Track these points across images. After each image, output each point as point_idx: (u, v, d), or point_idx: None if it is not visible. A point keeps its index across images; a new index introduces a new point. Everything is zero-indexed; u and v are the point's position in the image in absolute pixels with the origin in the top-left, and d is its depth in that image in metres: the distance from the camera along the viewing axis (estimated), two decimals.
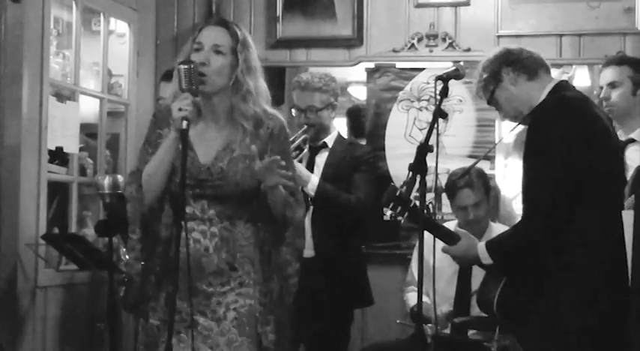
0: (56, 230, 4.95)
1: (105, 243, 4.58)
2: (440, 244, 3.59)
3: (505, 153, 5.50)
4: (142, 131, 5.40)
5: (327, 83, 4.40)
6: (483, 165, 5.10)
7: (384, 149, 5.42)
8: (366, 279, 4.51)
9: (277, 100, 5.11)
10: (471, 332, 4.34)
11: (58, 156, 4.95)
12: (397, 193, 3.36)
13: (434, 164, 3.20)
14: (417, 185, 3.11)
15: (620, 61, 4.07)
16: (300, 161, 4.34)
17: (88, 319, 5.00)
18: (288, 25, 5.59)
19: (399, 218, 3.41)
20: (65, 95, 5.08)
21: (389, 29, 5.51)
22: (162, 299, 3.11)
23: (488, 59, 3.47)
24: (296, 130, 4.41)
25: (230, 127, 3.15)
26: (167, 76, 4.64)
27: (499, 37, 5.36)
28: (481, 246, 3.33)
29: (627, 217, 3.13)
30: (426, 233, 3.29)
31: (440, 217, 5.06)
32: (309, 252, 4.28)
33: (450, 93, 3.28)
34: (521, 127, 3.57)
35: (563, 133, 3.21)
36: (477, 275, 4.28)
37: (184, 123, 2.93)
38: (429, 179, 3.18)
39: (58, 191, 5.04)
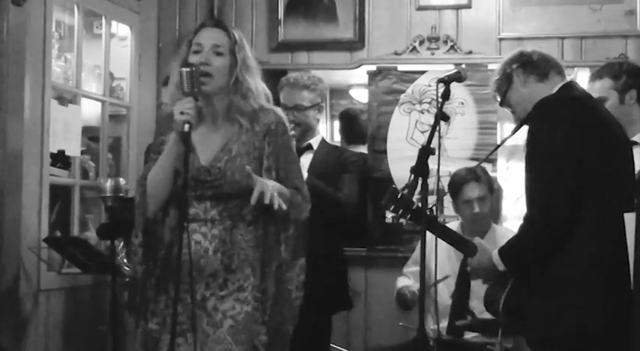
0: (58, 233, 4.96)
1: (107, 246, 4.59)
2: (439, 245, 3.58)
3: (507, 155, 5.51)
4: (143, 134, 5.44)
5: (315, 83, 4.40)
6: (485, 167, 5.10)
7: (385, 152, 5.41)
8: (345, 282, 4.49)
9: (278, 103, 5.12)
10: (472, 335, 4.33)
11: (60, 159, 4.95)
12: (398, 195, 3.36)
13: (435, 167, 3.20)
14: (418, 188, 3.11)
15: (599, 74, 4.05)
16: None
17: (90, 322, 4.99)
18: (289, 27, 5.59)
19: (402, 220, 3.42)
20: (67, 98, 5.08)
21: (390, 32, 5.51)
22: (162, 303, 3.12)
23: (503, 61, 3.50)
24: None
25: (227, 126, 3.17)
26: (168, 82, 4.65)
27: (500, 39, 5.36)
28: (495, 254, 3.33)
29: (629, 219, 3.13)
30: (428, 235, 3.29)
31: (442, 219, 5.06)
32: None
33: (451, 96, 3.29)
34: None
35: (566, 132, 3.21)
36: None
37: (186, 126, 2.95)
38: (431, 182, 3.19)
39: (60, 194, 5.04)
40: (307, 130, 4.42)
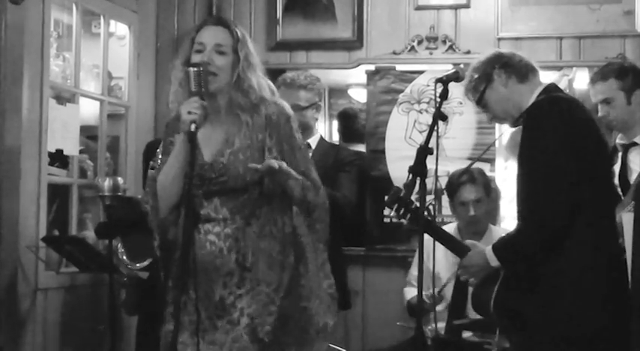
0: (56, 232, 4.95)
1: (105, 245, 4.59)
2: (440, 246, 3.59)
3: (505, 155, 5.50)
4: (142, 133, 5.44)
5: (312, 82, 4.38)
6: (483, 167, 5.10)
7: (384, 152, 5.42)
8: (345, 282, 4.46)
9: None
10: (468, 334, 4.34)
11: (59, 158, 4.95)
12: (401, 195, 3.37)
13: (434, 167, 3.20)
14: (417, 187, 3.11)
15: (605, 75, 4.05)
16: None
17: (88, 322, 4.99)
18: (288, 27, 5.59)
19: (402, 220, 3.42)
20: (65, 97, 5.08)
21: (389, 31, 5.51)
22: (180, 304, 3.11)
23: (480, 61, 3.49)
24: None
25: (229, 122, 3.17)
26: None
27: (499, 39, 5.36)
28: (488, 249, 3.34)
29: (627, 220, 3.13)
30: (427, 236, 3.29)
31: (440, 219, 5.06)
32: None
33: (449, 95, 3.29)
34: (511, 128, 3.59)
35: (560, 134, 3.22)
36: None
37: (193, 126, 2.95)
38: (429, 181, 3.18)
39: (58, 193, 5.03)
40: (305, 129, 4.40)
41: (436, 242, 3.71)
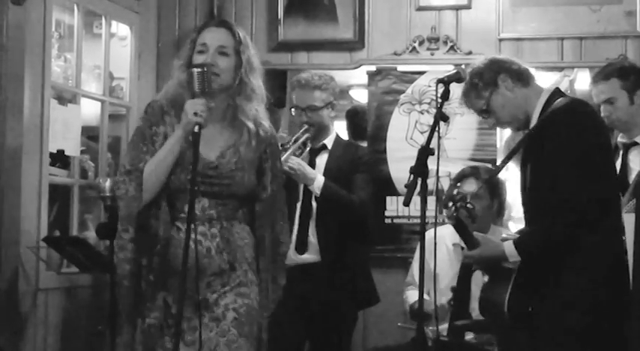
0: (57, 233, 4.95)
1: (106, 246, 4.58)
2: (440, 246, 3.59)
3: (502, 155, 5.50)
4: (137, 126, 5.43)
5: (326, 82, 4.41)
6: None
7: (385, 152, 5.41)
8: (371, 279, 4.52)
9: (279, 103, 5.13)
10: (469, 336, 4.34)
11: (60, 159, 4.95)
12: (454, 192, 3.42)
13: (435, 167, 3.20)
14: (418, 188, 3.11)
15: (607, 75, 4.05)
16: None
17: (89, 322, 4.99)
18: (289, 27, 5.58)
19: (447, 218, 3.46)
20: (67, 98, 5.08)
21: (390, 32, 5.51)
22: (159, 299, 3.11)
23: (479, 68, 3.50)
24: (296, 129, 4.42)
25: (233, 127, 3.18)
26: None
27: (500, 40, 5.35)
28: (508, 244, 3.34)
29: (628, 220, 3.14)
30: (427, 235, 3.29)
31: (441, 219, 5.05)
32: (314, 257, 4.28)
33: (451, 96, 3.29)
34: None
35: (592, 136, 3.29)
36: (477, 279, 4.28)
37: (197, 127, 2.96)
38: (431, 182, 3.18)
39: (59, 194, 5.04)
40: (321, 129, 4.43)
41: (438, 243, 3.71)
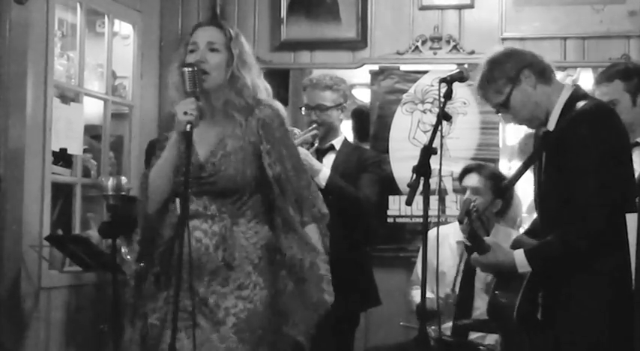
0: (60, 232, 4.96)
1: (109, 244, 4.59)
2: (444, 244, 3.58)
3: (509, 156, 5.50)
4: (146, 133, 5.44)
5: (337, 83, 4.43)
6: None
7: (388, 151, 5.41)
8: (373, 280, 4.52)
9: (281, 102, 5.11)
10: (475, 335, 4.33)
11: (62, 157, 4.95)
12: (470, 206, 3.38)
13: (438, 167, 3.20)
14: (420, 187, 3.11)
15: (610, 76, 4.00)
16: None
17: (91, 321, 4.99)
18: (292, 27, 5.58)
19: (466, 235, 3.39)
20: (69, 97, 5.08)
21: (393, 31, 5.51)
22: (161, 299, 3.12)
23: (500, 60, 3.37)
24: (305, 128, 4.42)
25: (224, 122, 3.18)
26: None
27: (503, 39, 5.35)
28: (519, 253, 3.25)
29: (631, 220, 3.13)
30: (430, 235, 3.29)
31: (444, 219, 5.06)
32: None
33: (453, 95, 3.27)
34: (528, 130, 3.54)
35: (616, 139, 3.23)
36: (480, 278, 4.28)
37: (188, 126, 2.96)
38: (433, 182, 3.18)
39: (61, 193, 5.04)
40: (330, 129, 4.43)
41: (441, 241, 3.69)
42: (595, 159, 3.16)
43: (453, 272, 4.42)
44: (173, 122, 3.15)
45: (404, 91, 5.48)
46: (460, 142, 5.36)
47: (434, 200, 5.04)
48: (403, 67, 5.50)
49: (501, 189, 4.49)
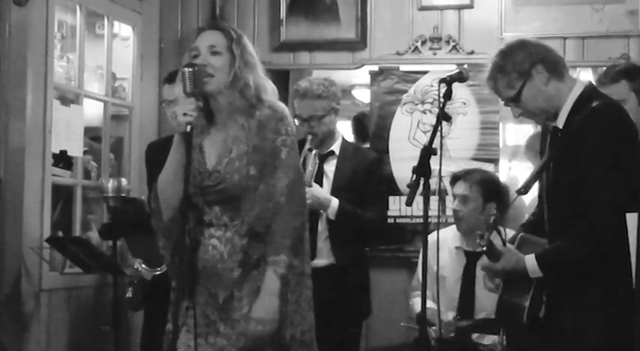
0: (60, 233, 4.96)
1: (109, 246, 4.59)
2: (443, 249, 3.56)
3: (509, 156, 5.50)
4: (146, 134, 5.44)
5: (326, 88, 4.31)
6: (487, 167, 5.10)
7: (387, 152, 5.41)
8: (369, 291, 4.44)
9: (286, 100, 5.11)
10: (474, 336, 4.33)
11: (63, 159, 4.95)
12: (491, 220, 3.35)
13: (437, 167, 3.20)
14: (420, 188, 3.11)
15: (615, 76, 3.97)
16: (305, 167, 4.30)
17: (92, 322, 5.00)
18: (291, 28, 5.59)
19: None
20: (69, 98, 5.09)
21: (393, 32, 5.51)
22: (182, 306, 3.12)
23: (512, 52, 3.30)
24: (298, 131, 4.38)
25: (230, 126, 3.16)
26: (170, 79, 4.65)
27: (503, 40, 5.33)
28: (530, 259, 3.23)
29: (631, 220, 3.12)
30: (430, 238, 3.28)
31: (444, 219, 5.05)
32: (327, 260, 4.24)
33: (453, 96, 3.26)
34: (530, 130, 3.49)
35: (629, 145, 3.18)
36: (481, 281, 4.28)
37: (188, 127, 2.96)
38: (433, 182, 3.18)
39: (62, 194, 5.05)
40: (327, 136, 4.35)
41: (441, 245, 3.68)
42: (606, 160, 3.12)
43: (453, 276, 4.42)
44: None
45: (404, 92, 5.48)
46: (460, 143, 5.35)
47: (434, 201, 5.06)
48: (403, 68, 5.50)
49: (499, 193, 4.48)
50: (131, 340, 5.11)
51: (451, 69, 4.77)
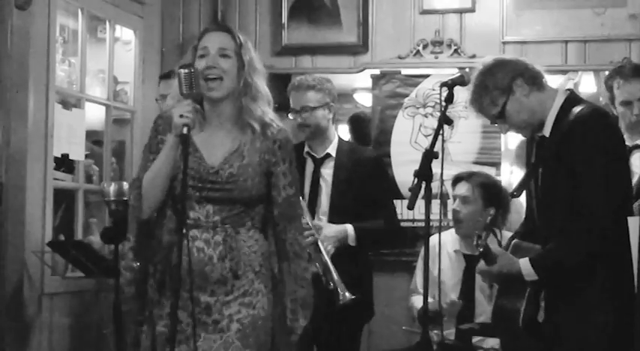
0: (62, 237, 4.95)
1: (111, 250, 4.58)
2: (442, 253, 3.56)
3: (511, 160, 5.49)
4: (147, 138, 5.43)
5: (320, 82, 4.31)
6: (489, 171, 5.10)
7: (389, 156, 5.41)
8: (372, 293, 4.43)
9: (283, 107, 5.11)
10: (475, 339, 4.33)
11: (64, 163, 4.96)
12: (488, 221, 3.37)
13: (439, 171, 3.20)
14: (422, 192, 3.11)
15: (628, 76, 3.97)
16: (304, 172, 4.29)
17: (94, 326, 5.00)
18: (293, 32, 5.59)
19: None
20: (71, 102, 5.09)
21: (394, 36, 5.52)
22: (167, 307, 3.09)
23: (490, 71, 3.35)
24: (295, 133, 4.35)
25: (238, 130, 3.15)
26: (166, 76, 4.69)
27: (504, 43, 5.36)
28: (524, 262, 3.25)
29: (633, 223, 3.13)
30: (432, 242, 3.28)
31: (445, 223, 5.05)
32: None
33: (455, 99, 3.26)
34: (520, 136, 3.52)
35: (616, 148, 3.24)
36: (481, 285, 4.28)
37: (185, 129, 2.95)
38: (435, 186, 3.18)
39: (63, 198, 5.04)
40: (318, 130, 4.31)
41: (442, 248, 3.67)
42: (598, 164, 3.16)
43: (452, 280, 4.41)
44: (163, 120, 3.15)
45: (405, 96, 5.48)
46: (462, 146, 5.36)
47: (436, 204, 5.07)
48: (404, 72, 5.51)
49: (501, 198, 4.48)
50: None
51: (453, 73, 4.74)
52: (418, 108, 5.46)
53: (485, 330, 4.18)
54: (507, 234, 4.41)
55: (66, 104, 5.02)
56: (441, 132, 3.16)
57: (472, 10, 5.43)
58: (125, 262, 3.18)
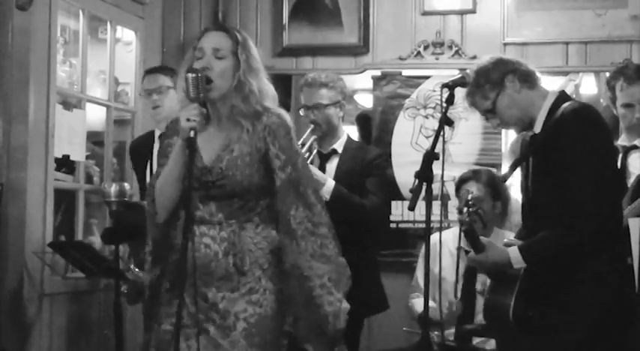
0: (63, 238, 4.96)
1: (111, 251, 4.59)
2: (443, 251, 3.57)
3: (507, 156, 5.50)
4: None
5: (333, 80, 4.36)
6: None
7: (390, 157, 5.41)
8: (380, 285, 4.47)
9: (284, 107, 5.12)
10: (475, 341, 4.33)
11: (65, 164, 4.95)
12: (469, 197, 3.47)
13: (440, 172, 3.20)
14: (423, 193, 3.11)
15: (632, 79, 4.00)
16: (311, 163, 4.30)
17: (94, 327, 5.00)
18: (294, 32, 5.59)
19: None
20: (72, 103, 5.09)
21: (395, 37, 5.52)
22: (175, 306, 3.10)
23: (485, 67, 3.43)
24: (304, 130, 4.38)
25: (230, 128, 3.15)
26: (151, 71, 4.73)
27: (505, 44, 5.35)
28: (513, 250, 3.28)
29: (633, 224, 3.13)
30: (433, 240, 3.28)
31: (446, 224, 5.06)
32: None
33: (456, 100, 3.28)
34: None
35: (600, 141, 3.26)
36: (480, 284, 4.28)
37: (192, 132, 2.96)
38: (436, 187, 3.18)
39: (64, 199, 5.04)
40: (329, 129, 4.35)
41: (442, 247, 3.68)
42: (585, 157, 3.20)
43: (453, 278, 4.41)
44: (171, 124, 3.17)
45: (406, 97, 5.49)
46: (462, 148, 5.36)
47: (436, 205, 5.07)
48: (405, 73, 5.51)
49: (502, 190, 4.52)
50: (132, 343, 5.11)
51: (453, 74, 4.74)
52: (419, 109, 5.46)
53: (485, 331, 4.19)
54: (508, 234, 4.44)
55: (67, 105, 5.03)
56: (441, 133, 3.17)
57: (473, 11, 5.43)
58: (147, 265, 3.21)
